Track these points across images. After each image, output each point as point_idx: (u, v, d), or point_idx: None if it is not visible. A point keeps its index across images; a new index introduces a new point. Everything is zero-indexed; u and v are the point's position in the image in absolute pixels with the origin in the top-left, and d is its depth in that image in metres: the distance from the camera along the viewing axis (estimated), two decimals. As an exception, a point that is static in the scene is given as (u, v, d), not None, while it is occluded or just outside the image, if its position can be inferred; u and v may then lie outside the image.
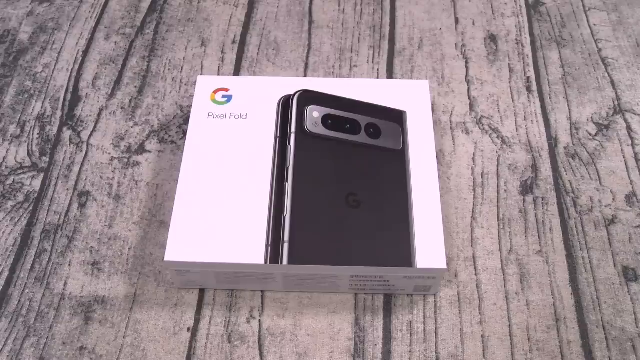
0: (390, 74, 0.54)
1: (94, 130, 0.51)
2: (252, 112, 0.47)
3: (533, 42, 0.57)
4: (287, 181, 0.43)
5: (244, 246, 0.40)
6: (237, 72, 0.55)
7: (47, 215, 0.46)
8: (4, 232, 0.45)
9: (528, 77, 0.54)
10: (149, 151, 0.50)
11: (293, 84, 0.48)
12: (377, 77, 0.54)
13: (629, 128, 0.51)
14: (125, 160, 0.49)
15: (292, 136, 0.45)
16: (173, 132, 0.51)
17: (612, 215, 0.46)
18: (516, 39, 0.57)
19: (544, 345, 0.40)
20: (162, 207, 0.46)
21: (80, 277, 0.43)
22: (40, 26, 0.58)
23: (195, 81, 0.53)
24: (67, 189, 0.47)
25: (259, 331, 0.41)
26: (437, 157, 0.48)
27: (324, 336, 0.41)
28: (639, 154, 0.49)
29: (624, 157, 0.49)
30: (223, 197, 0.42)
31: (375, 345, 0.41)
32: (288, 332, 0.41)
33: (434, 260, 0.40)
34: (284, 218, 0.41)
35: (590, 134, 0.50)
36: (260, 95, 0.47)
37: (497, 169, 0.48)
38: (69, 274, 0.43)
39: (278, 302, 0.42)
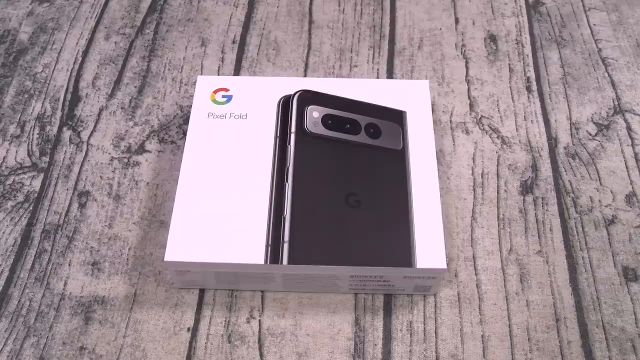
0: (390, 74, 0.54)
1: (94, 130, 0.51)
2: (252, 112, 0.47)
3: (533, 42, 0.57)
4: (287, 181, 0.43)
5: (244, 246, 0.40)
6: (237, 72, 0.55)
7: (47, 215, 0.46)
8: (4, 232, 0.45)
9: (528, 77, 0.54)
10: (149, 151, 0.50)
11: (293, 84, 0.48)
12: (377, 77, 0.54)
13: (629, 128, 0.51)
14: (125, 160, 0.49)
15: (292, 136, 0.45)
16: (173, 132, 0.51)
17: (612, 215, 0.46)
18: (516, 39, 0.57)
19: (544, 345, 0.40)
20: (162, 207, 0.46)
21: (80, 277, 0.43)
22: (40, 26, 0.58)
23: (195, 81, 0.53)
24: (67, 189, 0.47)
25: (259, 331, 0.41)
26: (437, 157, 0.48)
27: (324, 336, 0.41)
28: (639, 154, 0.49)
29: (624, 157, 0.49)
30: (223, 197, 0.42)
31: (375, 345, 0.41)
32: (288, 332, 0.41)
33: (434, 260, 0.40)
34: (284, 218, 0.41)
35: (590, 134, 0.50)
36: (260, 95, 0.48)
37: (497, 169, 0.48)
38: (69, 274, 0.43)
39: (278, 302, 0.42)
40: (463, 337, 0.41)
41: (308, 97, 0.47)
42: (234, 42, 0.57)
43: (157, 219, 0.46)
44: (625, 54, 0.56)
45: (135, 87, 0.54)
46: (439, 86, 0.53)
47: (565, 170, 0.48)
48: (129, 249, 0.45)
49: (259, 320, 0.42)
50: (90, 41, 0.57)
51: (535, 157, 0.49)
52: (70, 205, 0.47)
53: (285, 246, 0.40)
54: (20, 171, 0.49)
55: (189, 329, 0.41)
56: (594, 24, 0.58)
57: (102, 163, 0.49)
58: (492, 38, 0.57)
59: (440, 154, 0.49)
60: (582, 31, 0.58)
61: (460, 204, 0.47)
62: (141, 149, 0.50)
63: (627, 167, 0.49)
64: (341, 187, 0.43)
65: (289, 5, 0.60)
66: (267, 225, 0.41)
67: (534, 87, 0.53)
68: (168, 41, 0.57)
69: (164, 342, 0.41)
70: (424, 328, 0.41)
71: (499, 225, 0.46)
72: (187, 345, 0.41)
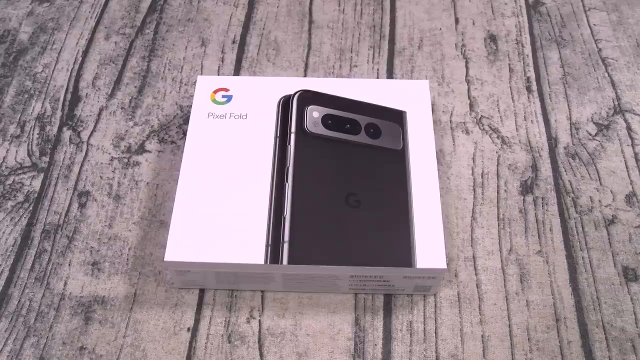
0: (390, 74, 0.54)
1: (94, 130, 0.51)
2: (252, 112, 0.47)
3: (533, 42, 0.57)
4: (287, 181, 0.43)
5: (244, 246, 0.40)
6: (237, 72, 0.55)
7: (47, 215, 0.46)
8: (4, 232, 0.45)
9: (528, 77, 0.54)
10: (149, 151, 0.50)
11: (293, 84, 0.48)
12: (377, 77, 0.54)
13: (629, 128, 0.51)
14: (125, 160, 0.49)
15: (292, 136, 0.45)
16: (173, 132, 0.51)
17: (612, 215, 0.46)
18: (516, 39, 0.57)
19: (544, 345, 0.40)
20: (162, 207, 0.46)
21: (80, 277, 0.43)
22: (40, 26, 0.58)
23: (195, 81, 0.53)
24: (67, 189, 0.47)
25: (259, 331, 0.41)
26: (437, 157, 0.48)
27: (324, 336, 0.41)
28: (639, 154, 0.49)
29: (624, 157, 0.49)
30: (223, 197, 0.42)
31: (375, 345, 0.41)
32: (288, 332, 0.41)
33: (434, 260, 0.40)
34: (284, 218, 0.41)
35: (590, 134, 0.50)
36: (260, 95, 0.48)
37: (497, 169, 0.48)
38: (69, 274, 0.43)
39: (278, 302, 0.42)
40: (463, 337, 0.41)
41: (308, 97, 0.47)
42: (234, 42, 0.57)
43: (157, 219, 0.46)
44: (625, 54, 0.56)
45: (135, 87, 0.54)
46: (439, 86, 0.53)
47: (565, 170, 0.48)
48: (129, 249, 0.45)
49: (259, 320, 0.42)
50: (90, 41, 0.57)
51: (535, 157, 0.49)
52: (70, 205, 0.47)
53: (285, 246, 0.40)
54: (20, 171, 0.49)
55: (189, 329, 0.41)
56: (594, 24, 0.58)
57: (102, 163, 0.49)
58: (492, 38, 0.57)
59: (440, 154, 0.49)
60: (582, 31, 0.58)
61: (460, 204, 0.47)
62: (141, 149, 0.50)
63: (627, 167, 0.49)
64: (341, 187, 0.43)
65: (289, 5, 0.60)
66: (267, 225, 0.41)
67: (534, 87, 0.53)
68: (168, 41, 0.57)
69: (164, 342, 0.41)
70: (424, 328, 0.41)
71: (499, 225, 0.46)
72: (187, 345, 0.41)
